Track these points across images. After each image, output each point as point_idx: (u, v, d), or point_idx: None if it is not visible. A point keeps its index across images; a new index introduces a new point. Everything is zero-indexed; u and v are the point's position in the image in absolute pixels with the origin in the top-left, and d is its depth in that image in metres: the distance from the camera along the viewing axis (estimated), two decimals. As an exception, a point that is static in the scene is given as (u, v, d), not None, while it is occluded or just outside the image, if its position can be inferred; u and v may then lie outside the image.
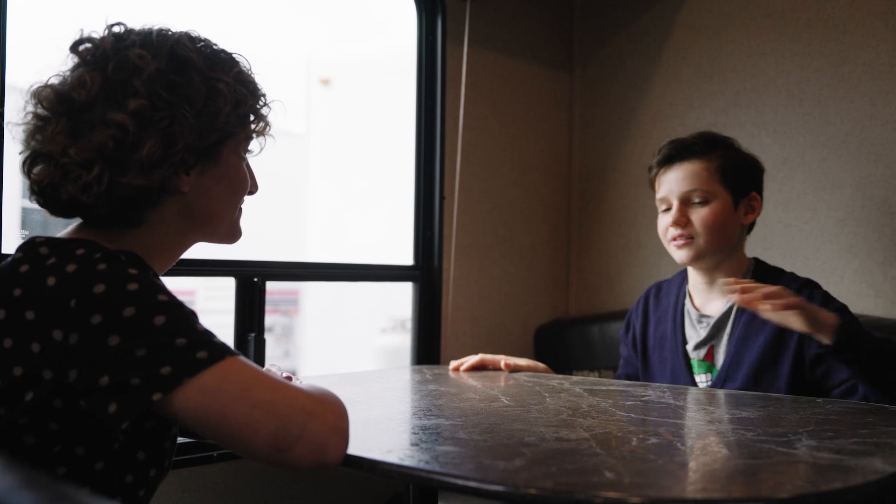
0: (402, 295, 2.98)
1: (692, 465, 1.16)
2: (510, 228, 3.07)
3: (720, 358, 2.04)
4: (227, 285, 2.37)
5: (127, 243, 1.25)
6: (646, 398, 1.71)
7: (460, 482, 1.06)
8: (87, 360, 1.08)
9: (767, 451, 1.21)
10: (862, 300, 2.52)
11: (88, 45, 1.24)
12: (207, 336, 1.12)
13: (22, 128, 1.23)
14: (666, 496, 1.01)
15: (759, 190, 2.08)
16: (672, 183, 2.03)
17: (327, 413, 1.11)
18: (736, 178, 2.02)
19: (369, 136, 8.20)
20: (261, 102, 1.36)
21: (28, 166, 1.23)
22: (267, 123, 1.38)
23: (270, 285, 2.36)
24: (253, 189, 1.42)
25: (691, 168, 2.02)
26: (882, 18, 2.52)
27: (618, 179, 3.14)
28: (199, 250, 2.21)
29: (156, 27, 1.28)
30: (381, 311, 7.80)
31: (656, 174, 2.10)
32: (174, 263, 1.36)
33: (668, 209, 2.05)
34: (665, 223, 2.05)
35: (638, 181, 3.07)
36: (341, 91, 9.08)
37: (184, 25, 1.34)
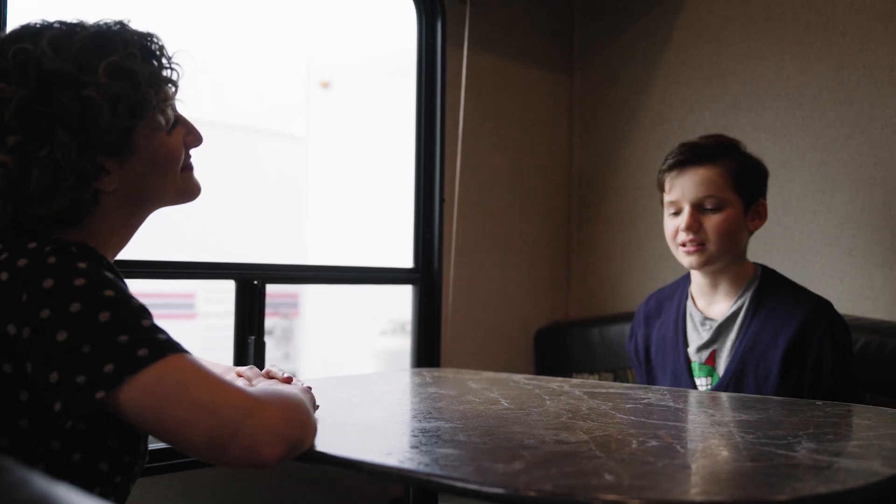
0: (401, 297, 2.98)
1: (692, 467, 1.16)
2: (510, 231, 3.07)
3: (722, 364, 2.03)
4: (227, 288, 2.37)
5: (77, 234, 1.25)
6: (646, 401, 1.71)
7: (460, 485, 1.06)
8: (38, 355, 1.09)
9: (767, 454, 1.21)
10: (862, 302, 2.52)
11: None
12: (151, 333, 1.12)
13: None
14: (666, 499, 1.01)
15: (765, 195, 2.08)
16: (685, 187, 2.00)
17: (265, 413, 1.11)
18: (747, 185, 2.01)
19: (369, 139, 8.19)
20: (155, 76, 1.27)
21: None
22: (174, 84, 1.31)
23: (270, 288, 2.36)
24: (194, 143, 1.37)
25: (706, 174, 1.99)
26: (881, 21, 2.52)
27: (618, 182, 3.14)
28: (200, 253, 2.22)
29: (24, 35, 1.21)
30: (381, 314, 7.80)
31: (667, 177, 2.06)
32: (130, 240, 1.36)
33: (678, 212, 2.02)
34: (674, 226, 2.03)
35: (638, 184, 3.07)
36: (341, 93, 9.08)
37: (157, 24, 1.28)
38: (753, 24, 2.79)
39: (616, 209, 3.14)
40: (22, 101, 1.17)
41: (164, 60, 1.30)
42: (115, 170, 1.26)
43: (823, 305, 1.98)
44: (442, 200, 2.80)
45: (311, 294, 9.12)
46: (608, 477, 1.08)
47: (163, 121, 1.29)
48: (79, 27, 1.24)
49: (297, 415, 1.18)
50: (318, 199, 9.18)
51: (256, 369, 1.54)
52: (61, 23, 1.25)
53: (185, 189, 1.36)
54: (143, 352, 1.09)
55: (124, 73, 1.23)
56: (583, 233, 3.25)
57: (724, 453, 1.26)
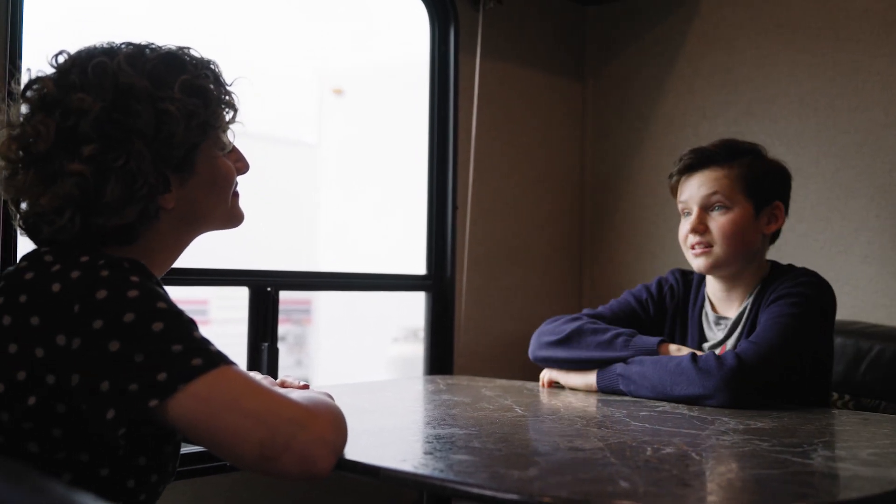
0: (414, 304, 2.98)
1: (707, 475, 1.16)
2: (523, 238, 3.07)
3: None
4: (240, 295, 2.38)
5: (128, 251, 1.27)
6: (660, 408, 1.71)
7: (475, 490, 1.06)
8: (88, 366, 1.09)
9: (783, 462, 1.21)
10: (877, 310, 2.51)
11: (36, 86, 1.24)
12: (204, 344, 1.13)
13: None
14: (681, 506, 1.00)
15: (784, 198, 2.04)
16: (693, 189, 2.01)
17: (317, 424, 1.11)
18: (758, 187, 1.99)
19: (382, 146, 8.21)
20: (222, 98, 1.33)
21: (14, 205, 1.26)
22: (235, 110, 1.36)
23: (282, 294, 2.37)
24: (243, 169, 1.41)
25: (712, 175, 1.99)
26: (894, 28, 2.51)
27: (630, 189, 3.14)
28: (213, 261, 2.22)
29: (97, 52, 1.25)
30: (394, 321, 7.80)
31: (677, 181, 2.06)
32: (174, 262, 1.38)
33: (690, 214, 2.04)
34: (685, 229, 2.03)
35: (651, 190, 3.07)
36: (354, 101, 9.11)
37: (144, 35, 1.31)
38: (766, 31, 2.79)
39: (629, 216, 3.14)
40: (101, 111, 1.19)
41: (226, 86, 1.35)
42: (176, 187, 1.29)
43: (811, 278, 1.96)
44: (455, 207, 2.80)
45: (324, 301, 9.14)
46: (623, 484, 1.07)
47: (225, 141, 1.35)
48: (149, 48, 1.29)
49: (342, 424, 1.19)
50: (329, 205, 9.20)
51: (271, 378, 1.55)
52: (129, 43, 1.29)
53: (232, 215, 1.40)
54: (196, 361, 1.10)
55: (198, 91, 1.28)
56: (596, 239, 3.25)
57: (740, 461, 1.25)
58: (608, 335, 1.97)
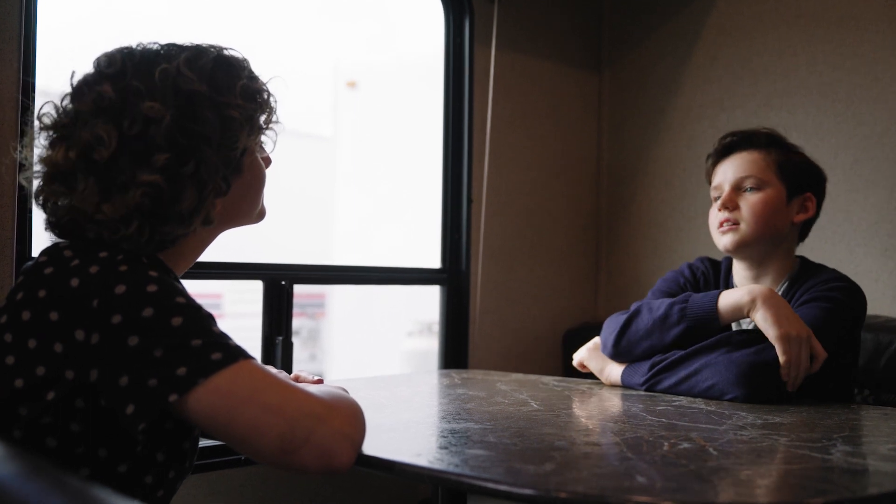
0: (428, 298, 2.98)
1: (725, 470, 1.15)
2: (538, 231, 3.05)
3: None
4: (254, 288, 2.38)
5: (162, 253, 1.27)
6: (677, 403, 1.69)
7: (491, 485, 1.05)
8: (107, 361, 1.09)
9: (801, 457, 1.20)
10: (896, 303, 2.49)
11: (85, 90, 1.21)
12: (223, 338, 1.13)
13: (34, 171, 1.23)
14: (699, 501, 0.99)
15: (817, 193, 2.02)
16: (727, 171, 1.99)
17: (336, 418, 1.11)
18: (792, 174, 1.98)
19: (397, 139, 8.21)
20: (269, 101, 1.35)
21: (51, 207, 1.23)
22: (274, 112, 1.37)
23: (296, 288, 2.36)
24: (269, 164, 1.42)
25: (749, 157, 1.98)
26: (916, 18, 2.48)
27: (647, 181, 3.12)
28: (227, 254, 2.22)
29: (151, 54, 1.23)
30: (408, 315, 7.80)
31: (713, 164, 2.05)
32: (198, 258, 1.38)
33: (721, 198, 2.01)
34: (716, 212, 2.00)
35: (668, 183, 3.05)
36: (368, 94, 9.10)
37: (189, 33, 1.31)
38: (784, 21, 2.76)
39: (646, 208, 3.12)
40: (171, 121, 1.19)
41: (268, 88, 1.36)
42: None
43: (845, 283, 1.92)
44: (470, 200, 2.79)
45: (338, 294, 9.15)
46: (640, 479, 1.06)
47: (263, 142, 1.37)
48: (199, 49, 1.28)
49: (361, 418, 1.19)
50: (345, 198, 9.21)
51: (285, 373, 1.55)
52: (174, 44, 1.27)
53: (260, 212, 1.42)
54: (216, 356, 1.10)
55: (253, 95, 1.30)
56: (612, 233, 3.23)
57: (758, 456, 1.24)
58: (663, 309, 1.89)
